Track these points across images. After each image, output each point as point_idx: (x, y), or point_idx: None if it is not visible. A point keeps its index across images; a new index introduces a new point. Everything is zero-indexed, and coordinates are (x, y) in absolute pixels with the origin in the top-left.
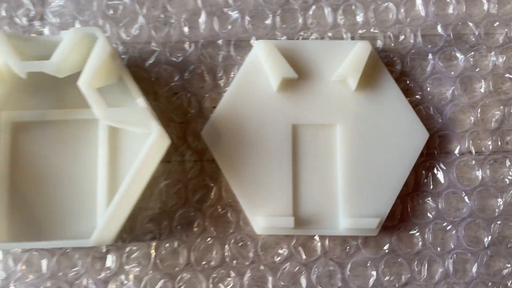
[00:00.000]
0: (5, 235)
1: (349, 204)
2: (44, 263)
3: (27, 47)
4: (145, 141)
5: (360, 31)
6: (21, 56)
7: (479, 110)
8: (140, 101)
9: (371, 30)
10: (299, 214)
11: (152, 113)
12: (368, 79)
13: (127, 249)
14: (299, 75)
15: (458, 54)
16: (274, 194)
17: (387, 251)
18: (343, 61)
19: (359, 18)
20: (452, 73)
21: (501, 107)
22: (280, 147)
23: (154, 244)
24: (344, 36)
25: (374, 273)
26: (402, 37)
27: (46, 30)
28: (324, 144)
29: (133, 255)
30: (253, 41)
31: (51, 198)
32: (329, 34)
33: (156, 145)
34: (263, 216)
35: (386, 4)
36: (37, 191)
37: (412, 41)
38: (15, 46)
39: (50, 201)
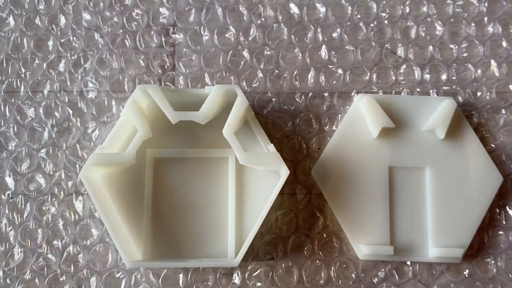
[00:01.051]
0: (150, 253)
1: (436, 236)
2: (180, 277)
3: (172, 96)
4: (266, 176)
5: (444, 88)
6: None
7: None
8: (271, 147)
9: (453, 87)
10: (395, 243)
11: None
12: (453, 129)
13: (250, 267)
14: (395, 124)
15: None
16: (374, 225)
17: (466, 275)
18: (432, 114)
19: (443, 76)
20: None
21: None
22: (379, 185)
23: (272, 263)
24: (431, 91)
25: None
26: (479, 94)
27: (181, 80)
28: (416, 184)
29: (255, 273)
30: (353, 94)
31: (187, 223)
32: (418, 89)
33: (281, 184)
34: (365, 244)
35: (465, 65)
36: (175, 217)
37: (487, 97)
38: (166, 96)
39: (186, 226)
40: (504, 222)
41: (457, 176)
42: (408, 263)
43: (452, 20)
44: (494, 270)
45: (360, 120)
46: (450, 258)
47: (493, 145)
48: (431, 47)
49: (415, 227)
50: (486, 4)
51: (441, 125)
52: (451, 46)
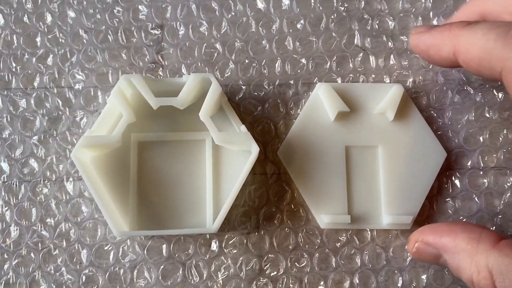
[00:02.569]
0: (136, 226)
1: (389, 205)
2: (163, 247)
3: (153, 85)
4: (239, 155)
5: (396, 72)
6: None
7: (486, 134)
8: (243, 128)
9: (404, 73)
10: (352, 213)
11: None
12: (401, 111)
13: (226, 236)
14: (350, 109)
15: (471, 90)
16: (333, 197)
17: None
18: (383, 99)
19: (396, 64)
20: (466, 104)
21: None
22: (337, 163)
23: (246, 232)
24: (384, 77)
25: (409, 254)
26: (427, 78)
27: (160, 71)
28: (370, 161)
29: (231, 241)
30: (315, 81)
31: (169, 199)
32: (373, 75)
33: (252, 159)
34: (326, 214)
35: (414, 54)
36: (158, 193)
37: (435, 81)
38: (148, 85)
39: (168, 201)
40: (450, 191)
41: (405, 152)
42: (367, 229)
43: (401, 15)
44: None
45: (319, 106)
46: (401, 224)
47: (440, 122)
48: (384, 38)
49: (370, 198)
50: (431, 0)
51: (390, 108)
52: (402, 37)
